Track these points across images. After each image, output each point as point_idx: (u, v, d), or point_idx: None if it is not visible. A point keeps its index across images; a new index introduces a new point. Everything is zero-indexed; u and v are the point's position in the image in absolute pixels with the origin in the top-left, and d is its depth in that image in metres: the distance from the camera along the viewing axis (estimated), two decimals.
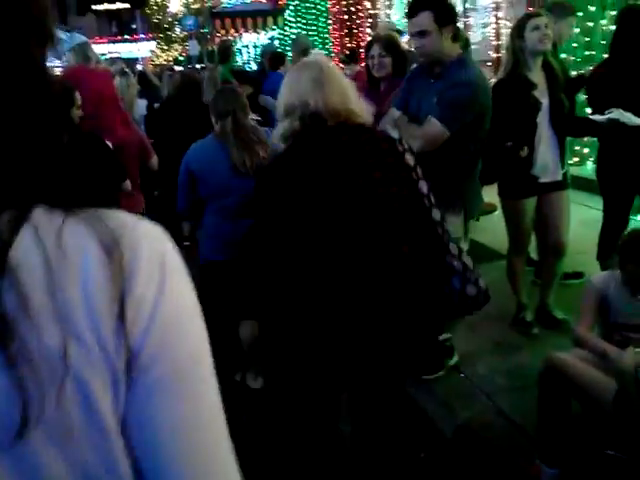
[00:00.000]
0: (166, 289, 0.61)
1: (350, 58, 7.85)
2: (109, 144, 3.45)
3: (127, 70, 5.66)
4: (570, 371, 2.31)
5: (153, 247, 0.62)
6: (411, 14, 2.86)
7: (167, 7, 28.88)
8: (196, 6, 25.55)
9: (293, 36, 15.47)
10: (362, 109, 1.95)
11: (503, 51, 8.30)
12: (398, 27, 8.14)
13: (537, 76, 3.42)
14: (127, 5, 43.21)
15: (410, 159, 1.91)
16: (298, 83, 1.92)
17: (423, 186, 1.97)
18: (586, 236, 4.09)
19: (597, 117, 3.37)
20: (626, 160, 3.58)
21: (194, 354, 0.64)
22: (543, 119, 3.41)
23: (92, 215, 0.60)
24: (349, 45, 12.65)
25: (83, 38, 4.61)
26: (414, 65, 3.41)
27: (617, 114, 3.27)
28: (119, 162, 3.48)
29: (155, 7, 29.90)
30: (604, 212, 3.84)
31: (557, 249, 3.62)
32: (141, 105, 6.26)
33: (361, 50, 11.23)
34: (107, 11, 46.31)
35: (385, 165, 1.86)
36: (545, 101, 3.41)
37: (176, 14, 27.74)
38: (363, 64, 8.51)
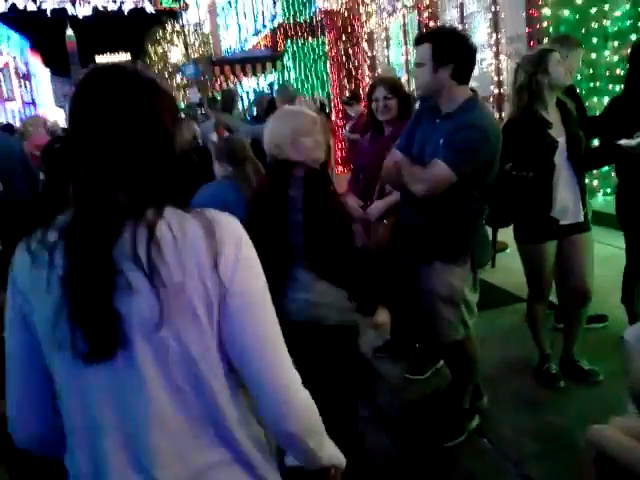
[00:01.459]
0: (242, 251, 1.13)
1: (353, 99, 7.74)
2: None
3: None
4: (614, 451, 2.01)
5: (231, 227, 1.15)
6: (415, 44, 2.78)
7: (167, 57, 29.28)
8: (196, 55, 25.92)
9: (293, 80, 15.52)
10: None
11: (505, 87, 8.24)
12: (396, 66, 8.04)
13: (552, 114, 3.22)
14: (129, 55, 44.04)
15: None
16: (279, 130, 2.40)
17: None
18: (603, 275, 3.82)
19: (626, 142, 3.15)
20: None
21: (261, 289, 1.15)
22: (561, 158, 3.20)
23: (195, 211, 1.14)
24: (348, 87, 12.60)
25: None
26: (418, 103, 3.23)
27: None
28: None
29: (155, 57, 30.32)
30: (627, 250, 3.59)
31: (582, 295, 3.36)
32: None
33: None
34: (110, 62, 47.20)
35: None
36: (562, 140, 3.20)
37: (176, 63, 28.12)
38: (364, 104, 8.47)
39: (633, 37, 6.19)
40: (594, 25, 6.70)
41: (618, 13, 6.65)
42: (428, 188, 2.63)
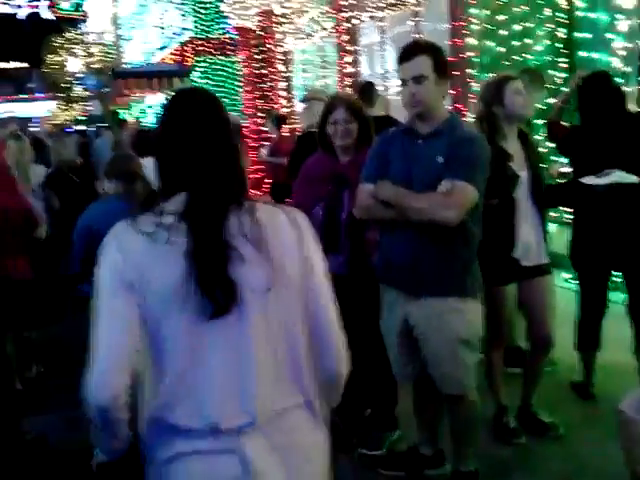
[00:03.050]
0: (315, 241, 1.47)
1: (280, 122, 7.49)
2: None
3: (20, 134, 5.39)
4: None
5: (306, 221, 1.47)
6: (407, 57, 2.48)
7: (65, 66, 27.89)
8: (97, 66, 24.78)
9: None
10: None
11: None
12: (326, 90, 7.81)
13: (513, 146, 3.01)
14: (25, 64, 41.71)
15: None
16: None
17: None
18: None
19: (593, 180, 2.99)
20: (602, 233, 3.23)
21: (322, 273, 1.47)
22: (522, 194, 3.00)
23: (276, 205, 1.49)
24: (263, 107, 12.27)
25: None
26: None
27: (617, 176, 2.93)
28: None
29: (54, 66, 28.78)
30: (581, 294, 3.44)
31: (544, 342, 3.17)
32: (38, 172, 5.55)
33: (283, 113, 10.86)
34: (2, 69, 44.55)
35: None
36: (523, 174, 3.01)
37: (75, 73, 26.80)
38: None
39: (550, 72, 6.29)
40: (518, 58, 6.75)
41: (539, 48, 6.75)
42: (459, 212, 2.36)
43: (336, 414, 1.75)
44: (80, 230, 3.11)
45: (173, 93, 1.50)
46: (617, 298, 3.73)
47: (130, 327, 1.33)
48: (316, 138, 3.23)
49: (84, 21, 30.74)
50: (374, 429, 3.14)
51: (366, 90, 4.93)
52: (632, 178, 3.05)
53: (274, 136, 7.73)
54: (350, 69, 9.96)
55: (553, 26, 6.32)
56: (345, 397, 2.89)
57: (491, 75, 7.00)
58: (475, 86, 7.25)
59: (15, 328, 4.10)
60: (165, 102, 1.49)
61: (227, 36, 15.63)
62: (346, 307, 1.92)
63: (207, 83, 16.24)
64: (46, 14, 30.93)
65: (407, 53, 2.50)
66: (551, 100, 5.00)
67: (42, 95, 33.50)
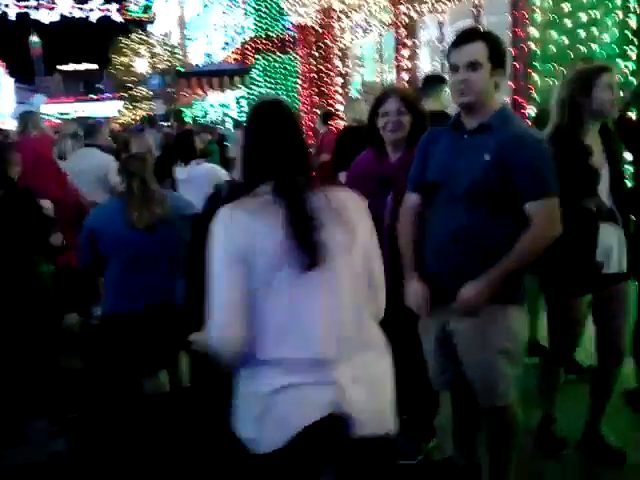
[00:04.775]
0: (370, 220, 1.82)
1: (327, 118, 7.36)
2: (47, 201, 3.72)
3: (79, 132, 5.79)
4: None
5: (363, 203, 1.84)
6: (461, 42, 2.30)
7: (132, 67, 28.60)
8: (162, 66, 25.29)
9: (261, 95, 15.04)
10: None
11: None
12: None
13: (594, 142, 2.74)
14: (94, 65, 43.16)
15: None
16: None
17: None
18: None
19: None
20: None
21: (375, 239, 1.83)
22: (602, 193, 2.73)
23: (339, 188, 1.90)
24: (320, 103, 12.18)
25: (35, 106, 4.66)
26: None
27: None
28: (46, 217, 3.69)
29: (120, 67, 29.58)
30: (638, 300, 3.15)
31: (618, 355, 2.87)
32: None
33: (337, 110, 10.71)
34: (74, 71, 46.21)
35: None
36: (604, 171, 2.73)
37: (142, 74, 27.45)
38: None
39: (620, 62, 5.92)
40: (583, 49, 6.39)
41: (606, 37, 6.37)
42: (559, 228, 2.27)
43: None
44: (84, 233, 3.22)
45: (256, 102, 1.89)
46: None
47: (242, 290, 1.64)
48: (362, 133, 3.02)
49: (152, 22, 31.52)
50: (409, 437, 2.93)
51: (430, 81, 4.57)
52: None
53: (322, 131, 7.59)
54: (408, 64, 9.73)
55: (622, 14, 5.93)
56: None
57: (555, 66, 6.78)
58: (536, 78, 6.94)
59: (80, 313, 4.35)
60: (250, 111, 1.86)
61: (287, 33, 15.65)
62: (386, 310, 1.91)
63: (266, 81, 16.32)
64: (116, 17, 31.89)
65: (462, 38, 2.32)
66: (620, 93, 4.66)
67: (110, 95, 34.54)
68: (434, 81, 4.45)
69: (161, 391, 3.21)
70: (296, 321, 1.64)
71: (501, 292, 2.26)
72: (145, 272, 3.09)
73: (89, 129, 5.55)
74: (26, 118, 5.11)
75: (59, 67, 44.31)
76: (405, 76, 9.75)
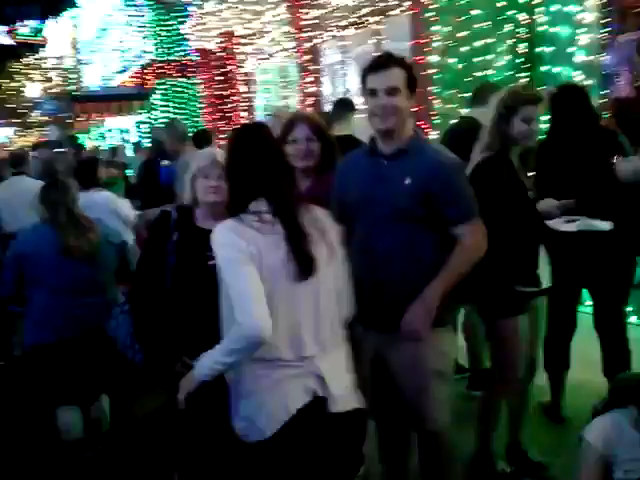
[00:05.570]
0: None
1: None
2: None
3: None
4: None
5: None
6: (380, 67, 2.31)
7: (23, 92, 27.37)
8: (55, 90, 24.34)
9: (161, 120, 14.72)
10: None
11: None
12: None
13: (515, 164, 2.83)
14: None
15: None
16: None
17: None
18: None
19: (561, 226, 2.94)
20: (572, 253, 3.09)
21: (343, 255, 2.12)
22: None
23: (316, 206, 2.10)
24: (224, 128, 12.07)
25: None
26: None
27: (583, 224, 2.87)
28: None
29: (10, 92, 28.21)
30: (550, 312, 3.27)
31: (533, 366, 2.98)
32: None
33: None
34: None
35: None
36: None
37: (33, 99, 26.30)
38: None
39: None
40: (478, 74, 6.69)
41: (501, 63, 6.70)
42: (484, 248, 2.36)
43: None
44: (10, 257, 3.18)
45: (239, 127, 2.20)
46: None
47: (260, 283, 1.87)
48: None
49: (43, 46, 30.30)
50: None
51: (341, 105, 4.53)
52: (600, 225, 2.96)
53: None
54: (312, 89, 9.84)
55: (514, 41, 6.27)
56: None
57: (453, 92, 7.05)
58: (437, 103, 7.19)
59: None
60: (235, 135, 2.05)
61: (188, 58, 15.47)
62: None
63: (168, 105, 16.02)
64: (4, 40, 30.41)
65: (381, 63, 2.33)
66: None
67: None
68: (344, 106, 4.49)
69: (74, 433, 3.07)
70: (287, 325, 1.91)
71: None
72: (75, 300, 3.06)
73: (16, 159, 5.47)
74: None
75: None
76: (309, 101, 9.85)
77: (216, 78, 12.95)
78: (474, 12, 6.61)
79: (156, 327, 2.31)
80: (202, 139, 6.46)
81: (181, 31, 14.57)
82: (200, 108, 14.39)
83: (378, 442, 2.67)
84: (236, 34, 11.72)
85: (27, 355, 3.14)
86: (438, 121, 7.18)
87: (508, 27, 6.31)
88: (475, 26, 6.65)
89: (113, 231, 3.36)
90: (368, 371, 2.44)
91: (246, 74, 12.49)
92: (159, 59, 16.01)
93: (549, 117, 3.36)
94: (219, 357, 1.87)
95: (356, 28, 8.85)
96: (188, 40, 13.59)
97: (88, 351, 3.04)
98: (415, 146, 2.34)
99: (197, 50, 13.42)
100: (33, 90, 27.31)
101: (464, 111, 5.01)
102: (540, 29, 6.04)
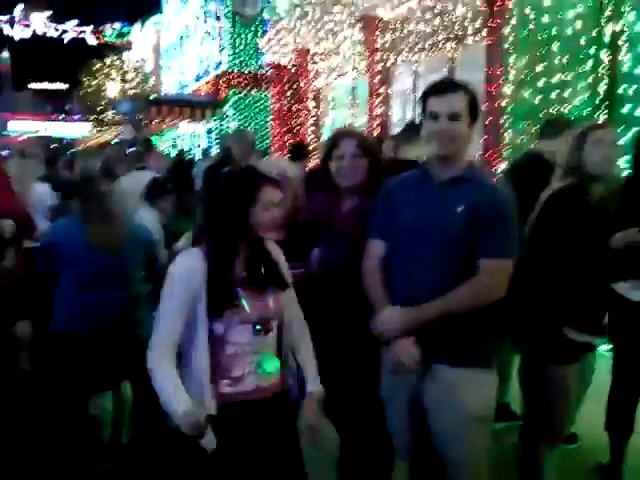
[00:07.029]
0: None
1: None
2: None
3: (27, 152, 5.73)
4: None
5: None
6: (443, 91, 2.21)
7: (103, 90, 28.41)
8: (133, 91, 25.15)
9: (231, 129, 14.94)
10: None
11: None
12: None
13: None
14: (64, 85, 42.72)
15: None
16: None
17: None
18: None
19: (626, 292, 2.74)
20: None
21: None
22: None
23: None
24: (291, 142, 12.15)
25: None
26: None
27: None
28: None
29: (91, 89, 29.35)
30: (615, 369, 3.06)
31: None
32: (42, 191, 5.34)
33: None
34: (43, 89, 45.71)
35: None
36: None
37: (112, 98, 27.25)
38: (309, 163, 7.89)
39: None
40: (553, 110, 6.47)
41: (577, 100, 6.46)
42: (505, 289, 2.20)
43: None
44: (42, 246, 3.32)
45: (227, 173, 2.18)
46: None
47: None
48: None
49: (128, 49, 31.44)
50: None
51: (411, 129, 4.42)
52: None
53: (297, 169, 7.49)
54: (380, 110, 9.76)
55: (594, 78, 6.03)
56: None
57: (526, 125, 6.84)
58: (508, 135, 6.99)
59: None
60: (224, 180, 2.12)
61: (261, 71, 15.69)
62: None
63: (238, 116, 16.28)
64: (91, 40, 31.74)
65: (444, 87, 2.24)
66: None
67: (79, 116, 34.14)
68: (414, 129, 4.36)
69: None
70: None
71: (472, 356, 2.17)
72: (100, 292, 3.10)
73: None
74: None
75: (29, 85, 43.76)
76: (377, 123, 9.78)
77: (286, 93, 13.06)
78: (554, 46, 6.40)
79: None
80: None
81: (257, 45, 14.83)
82: (268, 121, 14.53)
83: None
84: (311, 51, 11.80)
85: (51, 341, 3.20)
86: (508, 152, 6.98)
87: (589, 63, 6.07)
88: (554, 60, 6.44)
89: (143, 228, 3.42)
90: (404, 410, 2.31)
91: (316, 91, 12.55)
92: (233, 70, 16.33)
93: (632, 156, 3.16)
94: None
95: (430, 54, 8.74)
96: (263, 54, 13.81)
97: (113, 341, 3.10)
98: (470, 174, 2.25)
99: (270, 64, 13.57)
100: (112, 89, 28.30)
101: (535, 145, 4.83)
102: (624, 69, 5.79)
